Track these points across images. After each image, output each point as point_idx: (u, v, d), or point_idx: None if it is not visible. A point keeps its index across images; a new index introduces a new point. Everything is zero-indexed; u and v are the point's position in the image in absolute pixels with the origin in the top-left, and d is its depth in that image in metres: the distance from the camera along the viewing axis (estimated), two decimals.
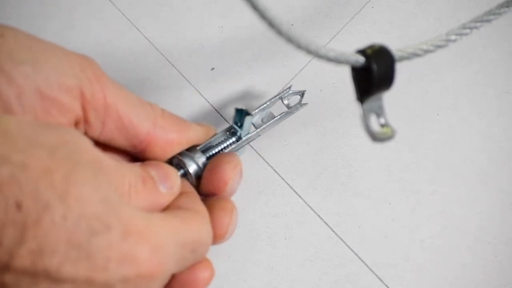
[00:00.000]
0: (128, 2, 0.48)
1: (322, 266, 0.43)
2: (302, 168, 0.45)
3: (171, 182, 0.31)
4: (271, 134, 0.45)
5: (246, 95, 0.43)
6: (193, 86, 0.46)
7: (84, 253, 0.23)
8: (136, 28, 0.47)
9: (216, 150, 0.39)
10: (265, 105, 0.42)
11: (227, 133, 0.40)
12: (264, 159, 0.45)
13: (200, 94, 0.46)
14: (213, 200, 0.36)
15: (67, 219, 0.23)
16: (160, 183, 0.30)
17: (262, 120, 0.42)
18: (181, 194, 0.33)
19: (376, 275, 0.43)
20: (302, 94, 0.43)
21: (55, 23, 0.47)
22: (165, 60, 0.47)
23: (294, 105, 0.43)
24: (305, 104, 0.43)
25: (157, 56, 0.47)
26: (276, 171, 0.45)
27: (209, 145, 0.39)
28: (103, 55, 0.46)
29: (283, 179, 0.44)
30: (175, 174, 0.32)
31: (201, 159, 0.37)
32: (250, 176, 0.44)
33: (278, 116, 0.43)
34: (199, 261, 0.33)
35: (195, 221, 0.30)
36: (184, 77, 0.46)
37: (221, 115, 0.45)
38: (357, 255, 0.43)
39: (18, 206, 0.22)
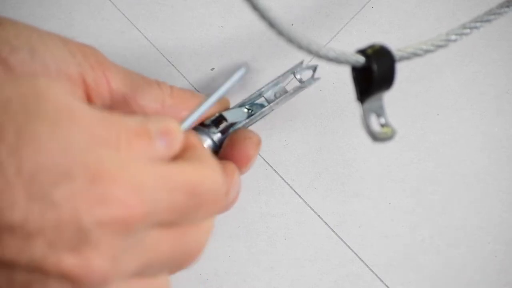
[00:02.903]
0: (128, 2, 0.48)
1: (322, 266, 0.43)
2: (302, 168, 0.45)
3: (170, 137, 0.28)
4: (271, 134, 0.45)
5: (246, 95, 0.43)
6: (193, 86, 0.46)
7: (48, 204, 0.22)
8: (136, 28, 0.47)
9: (229, 123, 0.39)
10: (277, 80, 0.42)
11: (241, 107, 0.41)
12: (264, 159, 0.45)
13: (200, 94, 0.46)
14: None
15: (21, 173, 0.22)
16: (158, 138, 0.28)
17: (275, 95, 0.42)
18: (185, 148, 0.30)
19: (376, 275, 0.43)
20: (314, 68, 0.43)
21: (55, 23, 0.47)
22: (165, 60, 0.47)
23: (307, 80, 0.43)
24: (317, 78, 0.43)
25: (157, 56, 0.47)
26: (276, 171, 0.45)
27: (220, 118, 0.39)
28: None
29: (283, 179, 0.44)
30: (177, 129, 0.29)
31: (216, 134, 0.37)
32: (250, 176, 0.44)
33: (291, 91, 0.43)
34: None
35: (192, 166, 0.28)
36: (184, 77, 0.46)
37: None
38: (357, 255, 0.43)
39: None
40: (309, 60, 0.46)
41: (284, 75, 0.43)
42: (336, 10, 0.48)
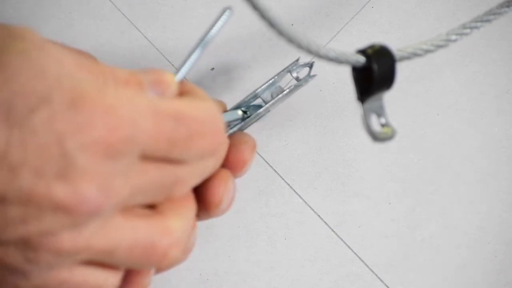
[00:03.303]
0: (128, 2, 0.48)
1: (322, 266, 0.43)
2: (302, 168, 0.45)
3: (162, 87, 0.27)
4: (271, 134, 0.45)
5: (246, 95, 0.43)
6: None
7: (28, 131, 0.21)
8: (136, 28, 0.47)
9: (226, 125, 0.38)
10: (273, 79, 0.42)
11: (236, 109, 0.40)
12: (264, 159, 0.45)
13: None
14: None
15: None
16: (149, 88, 0.26)
17: (271, 96, 0.41)
18: (180, 94, 0.29)
19: (376, 275, 0.43)
20: (311, 65, 0.43)
21: (55, 23, 0.47)
22: (165, 60, 0.47)
23: (303, 78, 0.42)
24: (314, 75, 0.42)
25: (157, 56, 0.47)
26: (276, 171, 0.45)
27: None
28: (103, 55, 0.46)
29: (283, 179, 0.44)
30: (170, 79, 0.28)
31: None
32: (250, 176, 0.44)
33: (288, 90, 0.42)
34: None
35: (184, 99, 0.27)
36: (184, 77, 0.46)
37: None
38: (357, 255, 0.43)
39: None
40: (309, 60, 0.46)
41: (280, 74, 0.42)
42: (336, 10, 0.48)
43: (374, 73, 0.31)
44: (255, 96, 0.41)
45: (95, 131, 0.22)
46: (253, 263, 0.43)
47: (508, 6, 0.34)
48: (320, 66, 0.44)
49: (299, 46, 0.30)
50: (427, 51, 0.34)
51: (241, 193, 0.41)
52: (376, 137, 0.32)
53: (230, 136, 0.37)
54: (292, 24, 0.48)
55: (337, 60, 0.31)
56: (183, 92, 0.29)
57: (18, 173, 0.21)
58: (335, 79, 0.46)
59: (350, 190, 0.44)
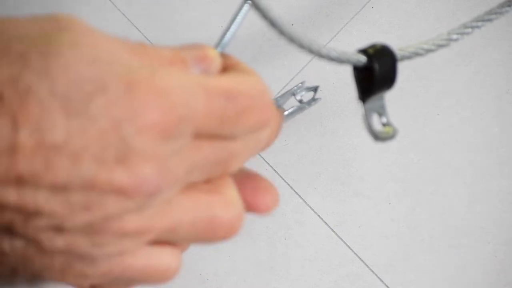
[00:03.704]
0: (128, 2, 0.48)
1: (322, 266, 0.43)
2: (302, 168, 0.45)
3: (206, 63, 0.27)
4: None
5: None
6: None
7: (87, 118, 0.22)
8: (136, 28, 0.47)
9: None
10: (276, 100, 0.42)
11: None
12: (264, 159, 0.45)
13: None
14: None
15: (55, 92, 0.22)
16: (193, 65, 0.27)
17: None
18: (224, 69, 0.29)
19: (376, 275, 0.43)
20: (315, 89, 0.43)
21: None
22: None
23: (308, 101, 0.42)
24: (318, 99, 0.43)
25: None
26: (276, 171, 0.45)
27: None
28: None
29: (283, 179, 0.44)
30: (213, 54, 0.28)
31: None
32: None
33: (290, 110, 0.42)
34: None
35: (230, 75, 0.27)
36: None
37: None
38: (357, 255, 0.43)
39: None
40: (309, 60, 0.46)
41: (284, 96, 0.42)
42: (336, 10, 0.48)
43: (375, 73, 0.31)
44: None
45: (150, 114, 0.23)
46: (253, 263, 0.43)
47: (509, 6, 0.35)
48: (320, 66, 0.44)
49: (301, 46, 0.30)
50: (428, 51, 0.34)
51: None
52: (377, 137, 0.32)
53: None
54: (292, 24, 0.48)
55: (338, 60, 0.31)
56: (226, 66, 0.29)
57: (80, 161, 0.22)
58: (335, 79, 0.46)
59: (350, 190, 0.44)
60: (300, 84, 0.42)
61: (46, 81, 0.22)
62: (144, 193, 0.23)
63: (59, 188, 0.22)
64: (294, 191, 0.44)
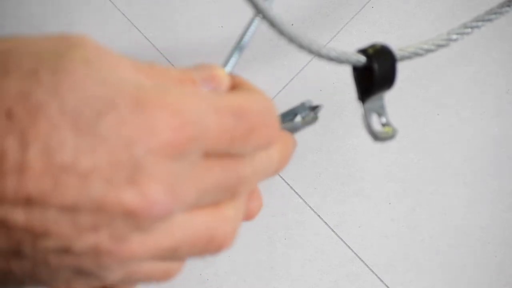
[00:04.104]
0: (128, 2, 0.48)
1: (322, 266, 0.43)
2: (302, 168, 0.45)
3: (215, 83, 0.27)
4: None
5: None
6: None
7: (96, 137, 0.21)
8: (136, 28, 0.47)
9: None
10: (281, 117, 0.41)
11: None
12: None
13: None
14: None
15: (65, 110, 0.21)
16: (203, 85, 0.27)
17: None
18: (232, 88, 0.29)
19: (376, 275, 0.43)
20: (317, 109, 0.42)
21: (55, 23, 0.47)
22: (165, 60, 0.47)
23: (308, 119, 0.42)
24: (317, 118, 0.42)
25: (157, 56, 0.47)
26: None
27: None
28: None
29: (283, 179, 0.44)
30: (222, 74, 0.28)
31: None
32: None
33: (289, 126, 0.42)
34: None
35: (239, 93, 0.27)
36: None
37: None
38: (357, 255, 0.43)
39: (8, 115, 0.21)
40: (309, 60, 0.46)
41: (285, 115, 0.42)
42: (336, 10, 0.48)
43: (375, 73, 0.31)
44: None
45: (162, 133, 0.22)
46: (253, 263, 0.43)
47: (509, 6, 0.34)
48: (320, 66, 0.44)
49: (300, 46, 0.30)
50: (428, 51, 0.34)
51: None
52: (377, 137, 0.32)
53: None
54: (292, 24, 0.48)
55: (338, 60, 0.31)
56: (233, 85, 0.29)
57: (89, 181, 0.21)
58: (335, 79, 0.46)
59: (350, 190, 0.44)
60: (302, 103, 0.42)
61: (56, 99, 0.21)
62: (155, 216, 0.22)
63: (67, 209, 0.22)
64: (294, 191, 0.44)
